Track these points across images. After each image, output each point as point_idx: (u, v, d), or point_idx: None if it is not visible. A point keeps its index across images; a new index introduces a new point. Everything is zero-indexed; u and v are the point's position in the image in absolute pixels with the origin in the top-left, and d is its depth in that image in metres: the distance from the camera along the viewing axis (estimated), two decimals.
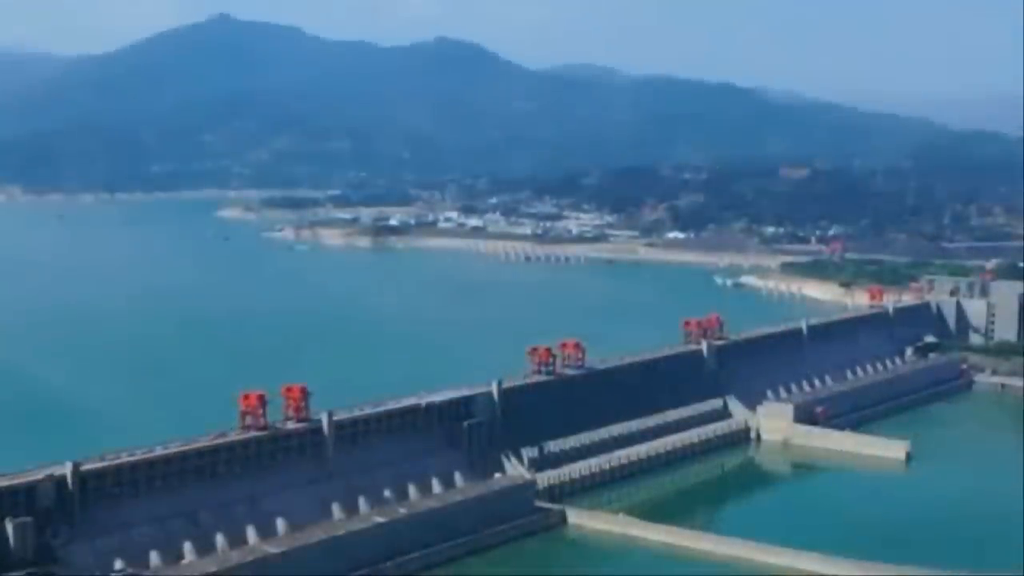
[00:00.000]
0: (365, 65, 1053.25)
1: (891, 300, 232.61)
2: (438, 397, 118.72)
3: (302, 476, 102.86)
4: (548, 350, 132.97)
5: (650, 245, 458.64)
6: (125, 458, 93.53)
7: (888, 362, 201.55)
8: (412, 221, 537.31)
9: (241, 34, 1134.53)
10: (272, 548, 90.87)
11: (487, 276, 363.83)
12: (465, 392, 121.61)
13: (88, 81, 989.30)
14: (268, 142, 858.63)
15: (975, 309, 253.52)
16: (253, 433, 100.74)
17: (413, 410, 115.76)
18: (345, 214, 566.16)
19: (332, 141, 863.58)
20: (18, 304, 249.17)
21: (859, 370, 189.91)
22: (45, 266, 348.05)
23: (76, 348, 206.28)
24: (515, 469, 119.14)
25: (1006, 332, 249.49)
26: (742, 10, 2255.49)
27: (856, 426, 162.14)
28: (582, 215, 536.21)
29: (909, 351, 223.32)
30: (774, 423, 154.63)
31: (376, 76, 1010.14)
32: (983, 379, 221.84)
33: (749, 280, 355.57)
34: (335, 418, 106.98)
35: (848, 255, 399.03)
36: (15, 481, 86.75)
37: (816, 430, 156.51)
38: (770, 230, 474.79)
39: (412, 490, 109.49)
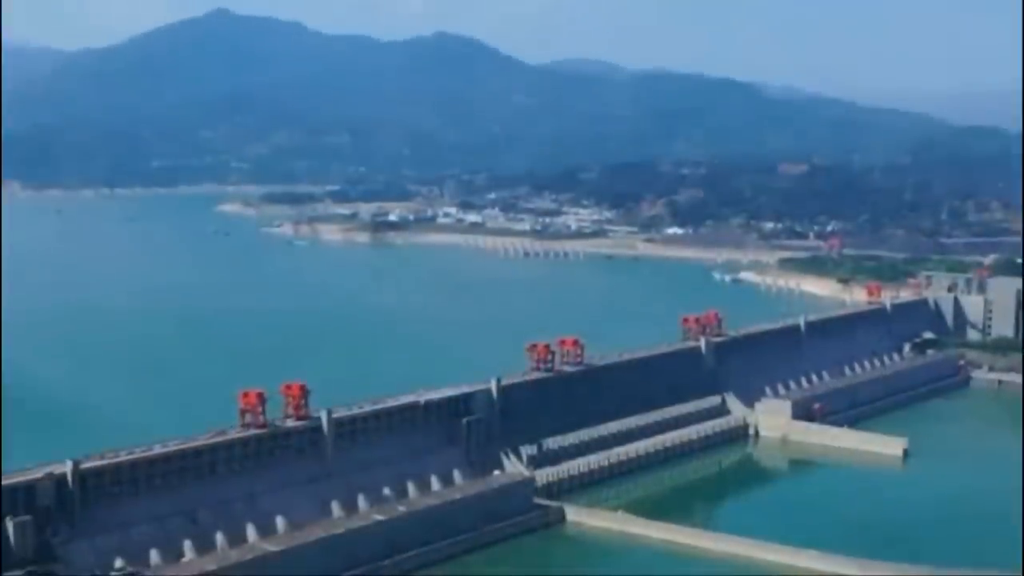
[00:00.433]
0: (364, 60, 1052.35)
1: (889, 296, 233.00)
2: (437, 395, 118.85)
3: (301, 474, 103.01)
4: (547, 347, 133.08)
5: (649, 241, 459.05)
6: (124, 457, 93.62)
7: (886, 358, 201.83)
8: (411, 217, 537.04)
9: (239, 29, 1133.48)
10: (271, 546, 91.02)
11: (486, 272, 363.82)
12: (464, 389, 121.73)
13: (88, 76, 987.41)
14: (267, 137, 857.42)
15: (973, 305, 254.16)
16: (252, 431, 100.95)
17: (412, 408, 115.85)
18: (344, 210, 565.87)
19: (331, 136, 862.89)
20: (17, 302, 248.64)
21: (857, 366, 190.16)
22: (44, 262, 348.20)
23: (76, 346, 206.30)
24: (514, 466, 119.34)
25: (1004, 328, 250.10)
26: (742, 6, 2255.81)
27: (854, 423, 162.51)
28: (581, 211, 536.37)
29: (907, 347, 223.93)
30: (772, 420, 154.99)
31: (375, 71, 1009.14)
32: (980, 375, 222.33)
33: (747, 276, 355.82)
34: (334, 416, 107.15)
35: (846, 251, 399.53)
36: (15, 480, 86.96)
37: (814, 427, 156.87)
38: (768, 226, 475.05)
39: (411, 488, 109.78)
